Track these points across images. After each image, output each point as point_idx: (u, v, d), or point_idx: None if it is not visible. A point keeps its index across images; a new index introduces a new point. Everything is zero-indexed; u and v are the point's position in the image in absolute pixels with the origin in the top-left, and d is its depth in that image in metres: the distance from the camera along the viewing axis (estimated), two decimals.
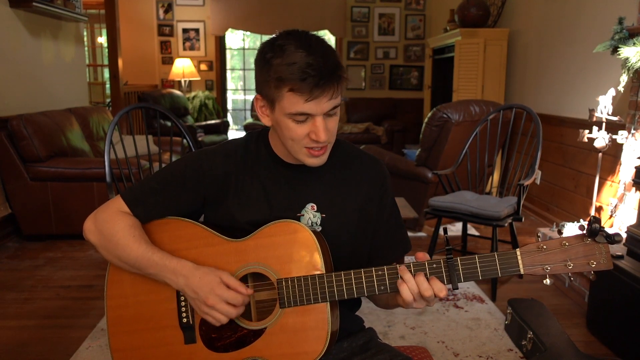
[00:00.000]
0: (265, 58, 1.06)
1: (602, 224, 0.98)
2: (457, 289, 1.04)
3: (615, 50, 2.94)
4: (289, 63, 1.02)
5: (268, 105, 1.11)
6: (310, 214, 1.18)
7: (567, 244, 1.01)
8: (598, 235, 0.98)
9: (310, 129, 1.07)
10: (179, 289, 1.12)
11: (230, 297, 1.07)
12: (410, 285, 1.04)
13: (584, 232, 1.00)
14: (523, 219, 2.92)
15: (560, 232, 2.90)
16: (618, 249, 2.58)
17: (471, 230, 4.06)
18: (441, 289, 1.03)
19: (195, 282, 1.09)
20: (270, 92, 1.07)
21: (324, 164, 1.15)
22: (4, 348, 2.35)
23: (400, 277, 1.05)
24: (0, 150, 3.64)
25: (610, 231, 3.05)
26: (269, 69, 1.05)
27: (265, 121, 1.14)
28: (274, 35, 1.09)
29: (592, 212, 3.48)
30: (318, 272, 1.09)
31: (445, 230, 1.12)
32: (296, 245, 1.10)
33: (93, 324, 2.55)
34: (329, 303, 1.09)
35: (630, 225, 2.65)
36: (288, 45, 1.04)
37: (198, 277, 1.09)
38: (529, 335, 2.25)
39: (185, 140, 2.56)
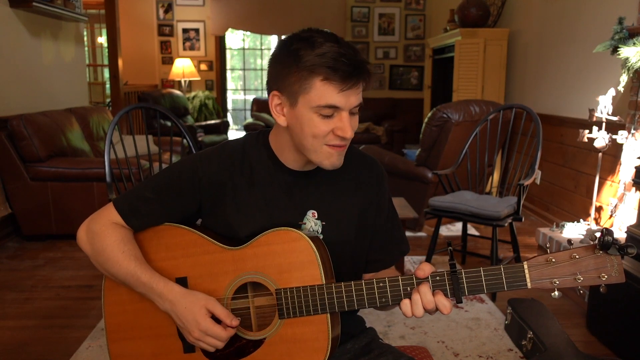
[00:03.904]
0: (290, 50, 1.03)
1: (614, 237, 0.94)
2: (461, 302, 1.01)
3: (615, 50, 2.95)
4: (320, 53, 1.00)
5: (288, 101, 1.06)
6: (312, 221, 1.15)
7: (577, 256, 0.96)
8: (611, 247, 0.94)
9: (335, 124, 1.04)
10: (166, 312, 1.10)
11: (215, 333, 1.05)
12: (413, 299, 1.01)
13: (595, 243, 0.96)
14: (523, 219, 2.92)
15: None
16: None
17: (471, 230, 4.06)
18: (446, 305, 1.00)
19: (180, 311, 1.07)
20: (296, 85, 1.03)
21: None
22: (4, 348, 2.35)
23: (403, 293, 1.03)
24: (0, 150, 3.64)
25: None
26: (297, 60, 1.01)
27: (281, 121, 1.09)
28: (291, 34, 1.07)
29: (592, 212, 3.48)
30: (317, 282, 1.06)
31: (449, 243, 1.10)
32: (294, 254, 1.07)
33: (93, 324, 2.55)
34: (329, 314, 1.06)
35: (630, 225, 2.65)
36: (315, 37, 1.02)
37: (183, 307, 1.06)
38: (529, 335, 2.25)
39: (185, 140, 2.56)
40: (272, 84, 1.08)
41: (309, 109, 1.03)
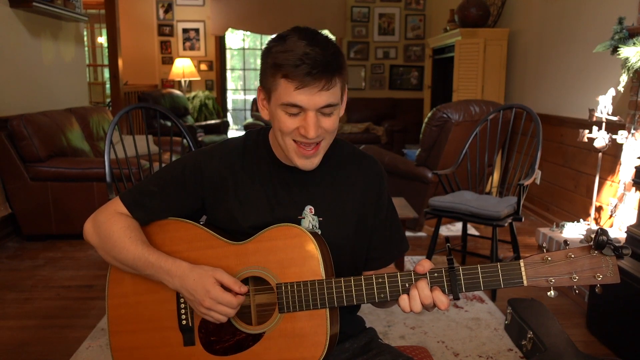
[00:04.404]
0: (268, 47, 1.07)
1: (609, 237, 0.95)
2: (459, 299, 1.02)
3: (615, 50, 2.95)
4: (286, 50, 1.02)
5: (266, 96, 1.10)
6: (310, 217, 1.17)
7: (572, 255, 0.97)
8: (605, 247, 0.95)
9: (300, 123, 1.05)
10: (175, 290, 1.12)
11: (226, 300, 1.06)
12: (411, 294, 1.03)
13: (591, 244, 0.97)
14: (523, 219, 2.92)
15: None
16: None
17: (471, 230, 4.06)
18: (443, 301, 1.01)
19: (190, 284, 1.08)
20: (268, 81, 1.06)
21: (321, 164, 1.14)
22: (4, 348, 2.35)
23: (401, 289, 1.04)
24: (0, 150, 3.65)
25: (612, 233, 3.06)
26: (268, 56, 1.05)
27: (264, 115, 1.13)
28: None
29: (592, 212, 3.48)
30: (318, 278, 1.08)
31: (447, 240, 1.11)
32: (296, 250, 1.09)
33: (93, 324, 2.55)
34: (328, 309, 1.08)
35: (630, 225, 2.65)
36: (291, 36, 1.04)
37: (192, 279, 1.08)
38: (529, 335, 2.25)
39: (185, 140, 2.56)
40: (259, 78, 1.12)
41: (278, 105, 1.06)
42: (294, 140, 1.08)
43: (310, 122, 1.04)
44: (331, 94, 1.04)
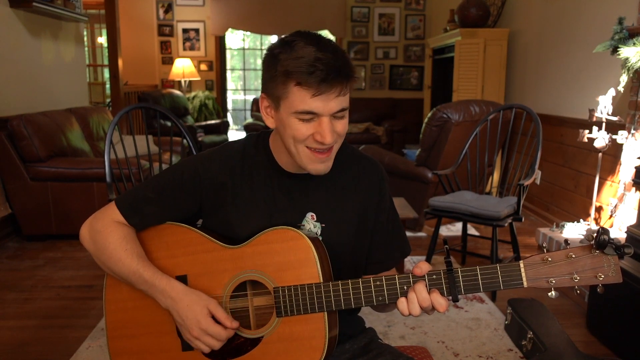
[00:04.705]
0: (273, 54, 1.04)
1: (611, 236, 0.94)
2: (458, 301, 1.01)
3: (615, 50, 2.95)
4: (296, 57, 0.99)
5: (273, 104, 1.07)
6: (311, 224, 1.16)
7: (573, 255, 0.96)
8: (607, 247, 0.93)
9: (315, 129, 1.03)
10: (166, 309, 1.11)
11: (215, 332, 1.07)
12: (409, 297, 1.02)
13: (592, 243, 0.95)
14: (523, 219, 2.92)
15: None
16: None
17: (471, 230, 4.06)
18: (441, 303, 1.00)
19: (182, 309, 1.08)
20: (277, 89, 1.03)
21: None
22: (4, 348, 2.35)
23: (399, 292, 1.04)
24: (0, 150, 3.65)
25: (612, 233, 3.06)
26: (276, 63, 1.02)
27: (269, 123, 1.10)
28: (282, 37, 1.07)
29: (592, 212, 3.48)
30: (315, 281, 1.07)
31: (445, 242, 1.10)
32: (293, 253, 1.08)
33: (93, 324, 2.55)
34: (326, 312, 1.07)
35: (630, 225, 2.65)
36: (297, 41, 1.02)
37: (185, 305, 1.08)
38: (529, 335, 2.25)
39: (185, 140, 2.56)
40: (262, 86, 1.10)
41: (289, 114, 1.04)
42: (307, 147, 1.06)
43: (325, 128, 1.03)
44: (345, 98, 1.04)
